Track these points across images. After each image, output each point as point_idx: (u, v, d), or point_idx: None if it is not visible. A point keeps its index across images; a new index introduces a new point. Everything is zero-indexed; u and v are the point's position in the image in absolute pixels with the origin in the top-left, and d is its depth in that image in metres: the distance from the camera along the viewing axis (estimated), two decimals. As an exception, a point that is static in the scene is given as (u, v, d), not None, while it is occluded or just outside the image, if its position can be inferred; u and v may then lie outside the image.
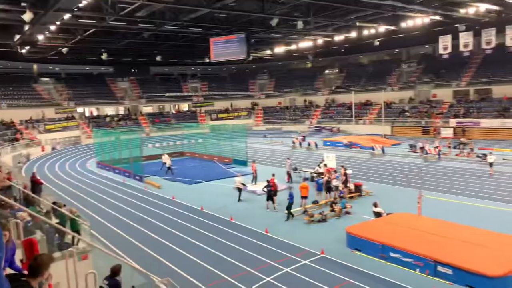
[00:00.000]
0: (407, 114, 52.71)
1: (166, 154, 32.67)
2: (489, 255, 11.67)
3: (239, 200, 20.95)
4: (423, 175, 18.05)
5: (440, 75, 55.26)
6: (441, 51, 48.66)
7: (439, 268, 11.53)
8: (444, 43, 47.68)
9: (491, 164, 25.00)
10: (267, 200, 19.03)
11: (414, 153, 34.73)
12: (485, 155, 28.67)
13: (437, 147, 32.22)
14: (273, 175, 20.65)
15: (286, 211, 17.65)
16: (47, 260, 3.52)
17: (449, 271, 11.32)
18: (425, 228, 14.17)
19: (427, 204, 17.01)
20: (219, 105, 68.70)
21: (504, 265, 10.92)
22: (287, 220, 17.47)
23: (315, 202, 19.31)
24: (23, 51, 44.92)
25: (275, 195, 19.15)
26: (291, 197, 17.62)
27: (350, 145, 40.03)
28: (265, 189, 19.25)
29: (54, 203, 11.61)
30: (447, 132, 44.39)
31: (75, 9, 28.23)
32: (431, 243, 12.68)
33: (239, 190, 21.22)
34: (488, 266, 10.86)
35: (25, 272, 5.13)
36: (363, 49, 58.85)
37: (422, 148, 33.45)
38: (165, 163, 29.90)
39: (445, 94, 52.71)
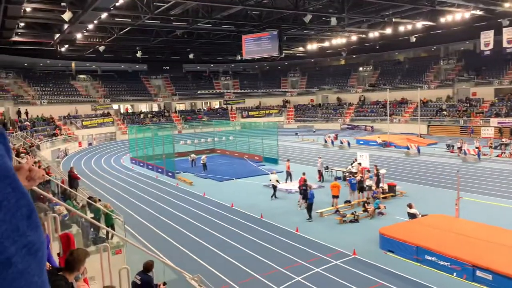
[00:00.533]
0: (445, 113, 50.84)
1: (193, 154, 33.03)
2: (534, 262, 11.05)
3: (275, 197, 20.78)
4: (461, 176, 17.33)
5: (481, 73, 52.86)
6: (482, 47, 46.51)
7: (478, 273, 11.03)
8: (486, 39, 45.55)
9: None
10: (302, 198, 18.88)
11: (451, 153, 33.49)
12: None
13: (477, 148, 30.89)
14: (304, 174, 20.43)
15: (307, 211, 17.44)
16: (82, 255, 3.55)
17: (489, 277, 10.81)
18: (463, 230, 13.60)
19: (465, 206, 16.32)
20: (250, 102, 68.80)
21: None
22: (308, 220, 17.22)
23: (347, 202, 18.95)
24: (62, 49, 46.62)
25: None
26: (311, 197, 17.38)
27: (384, 144, 39.08)
28: (302, 188, 19.06)
29: (89, 197, 11.93)
30: (488, 132, 42.49)
31: (112, 8, 29.01)
32: (469, 247, 12.16)
33: (274, 187, 21.08)
34: (532, 274, 10.29)
35: (60, 266, 5.25)
36: (399, 45, 57.14)
37: (459, 148, 32.10)
38: (193, 160, 30.47)
39: (486, 92, 50.37)
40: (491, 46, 45.31)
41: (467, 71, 54.77)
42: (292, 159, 29.32)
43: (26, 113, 47.76)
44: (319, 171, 24.52)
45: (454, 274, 11.49)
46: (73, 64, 61.27)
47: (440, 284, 11.03)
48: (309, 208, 17.33)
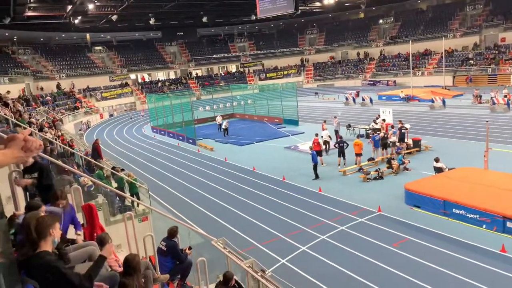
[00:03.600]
0: (471, 62, 48.63)
1: (219, 115, 33.09)
2: None
3: (326, 153, 20.73)
4: (490, 127, 16.68)
5: (510, 17, 49.78)
6: (511, -12, 43.56)
7: (509, 224, 10.79)
8: (515, -21, 42.54)
9: None
10: (339, 156, 18.77)
11: (479, 103, 32.30)
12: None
13: (505, 96, 29.61)
14: (316, 135, 20.14)
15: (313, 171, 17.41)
16: (46, 221, 3.28)
17: (520, 228, 10.56)
18: (492, 182, 13.23)
19: (494, 158, 15.82)
20: (268, 63, 67.57)
21: None
22: (315, 179, 17.15)
23: (371, 159, 18.68)
24: (76, 21, 46.43)
25: (321, 155, 19.16)
26: (313, 157, 17.26)
27: (408, 99, 37.99)
28: (337, 145, 18.92)
29: (112, 167, 12.08)
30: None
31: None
32: (499, 198, 11.84)
33: (326, 143, 20.97)
34: None
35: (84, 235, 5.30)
36: (421, -7, 54.28)
37: (477, 97, 31.10)
38: (221, 124, 30.37)
39: (515, 37, 47.61)
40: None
41: (495, 16, 51.65)
42: (314, 119, 29.02)
43: (42, 88, 48.43)
44: (336, 131, 23.80)
45: (484, 226, 11.27)
46: (88, 36, 61.20)
47: (469, 237, 10.85)
48: (314, 168, 17.27)
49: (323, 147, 20.95)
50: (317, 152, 18.95)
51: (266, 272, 9.18)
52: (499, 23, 50.34)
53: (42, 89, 48.20)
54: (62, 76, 52.82)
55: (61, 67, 54.91)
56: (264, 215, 13.92)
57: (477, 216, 11.50)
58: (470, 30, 53.32)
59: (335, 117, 25.33)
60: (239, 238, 12.06)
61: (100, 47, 61.84)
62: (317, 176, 17.30)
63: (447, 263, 9.70)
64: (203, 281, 6.39)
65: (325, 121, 24.43)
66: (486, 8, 54.04)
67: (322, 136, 21.39)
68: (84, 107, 46.60)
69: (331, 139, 21.30)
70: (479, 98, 33.10)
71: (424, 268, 9.61)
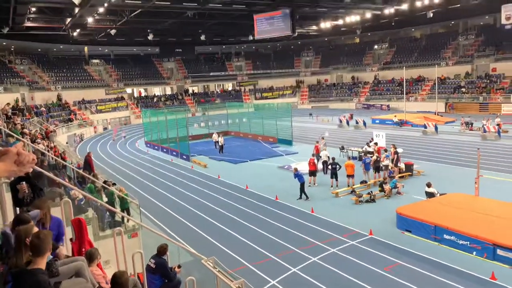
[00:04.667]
0: (463, 90, 49.51)
1: (216, 132, 33.11)
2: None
3: (325, 172, 20.69)
4: (481, 154, 16.88)
5: (501, 48, 51.03)
6: (503, 21, 44.78)
7: (499, 252, 10.79)
8: (507, 13, 43.74)
9: None
10: (331, 177, 18.82)
11: (470, 131, 32.74)
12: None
13: (497, 125, 30.07)
14: (313, 155, 20.30)
15: (299, 191, 17.46)
16: (48, 237, 3.20)
17: (510, 255, 10.58)
18: (482, 209, 13.29)
19: (485, 185, 15.92)
20: (264, 83, 68.20)
21: None
22: (299, 199, 17.23)
23: (363, 182, 18.72)
24: (75, 33, 46.69)
25: (315, 174, 19.34)
26: (299, 177, 17.30)
27: (401, 123, 38.41)
28: (331, 166, 18.97)
29: (104, 181, 11.98)
30: (508, 109, 41.32)
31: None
32: (489, 225, 11.89)
33: (325, 163, 21.05)
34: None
35: (72, 251, 5.22)
36: (416, 21, 55.48)
37: (467, 124, 31.82)
38: (217, 141, 30.33)
39: (507, 68, 48.61)
40: (512, 20, 43.61)
41: (486, 46, 52.98)
42: (307, 140, 29.15)
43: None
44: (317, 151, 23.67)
45: (474, 253, 11.26)
46: (85, 48, 61.49)
47: (459, 263, 10.82)
48: (301, 188, 17.30)
49: (320, 167, 21.06)
50: (311, 172, 19.03)
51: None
52: (491, 53, 51.57)
53: (32, 98, 47.91)
54: (58, 88, 52.75)
55: (57, 78, 54.88)
56: (256, 235, 13.80)
57: (468, 242, 11.51)
58: (462, 59, 54.49)
59: (322, 137, 25.52)
60: (230, 258, 11.91)
61: (97, 60, 62.06)
62: (305, 196, 17.27)
63: (438, 289, 9.64)
64: (192, 301, 6.28)
65: (317, 142, 24.52)
66: (478, 38, 55.43)
67: (321, 157, 21.49)
68: (78, 119, 46.43)
69: (329, 159, 21.32)
70: (470, 125, 33.56)
71: (414, 294, 9.54)
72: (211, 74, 66.92)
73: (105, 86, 58.20)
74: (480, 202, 14.31)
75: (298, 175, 17.41)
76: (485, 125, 30.48)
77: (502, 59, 49.90)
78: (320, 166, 21.46)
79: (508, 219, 12.27)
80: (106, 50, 64.69)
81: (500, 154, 24.10)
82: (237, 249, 12.62)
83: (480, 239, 11.24)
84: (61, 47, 58.39)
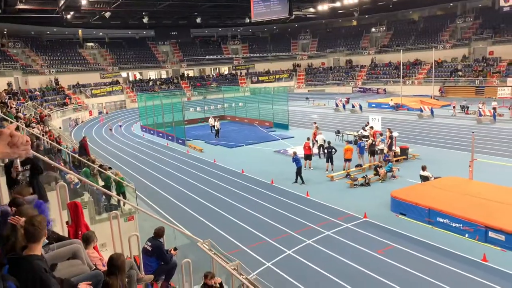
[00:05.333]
0: (460, 73, 49.44)
1: (212, 117, 33.02)
2: (547, 222, 10.95)
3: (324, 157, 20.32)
4: (476, 137, 16.99)
5: (499, 31, 50.79)
6: (501, 3, 44.57)
7: (491, 234, 10.98)
8: (506, -6, 43.46)
9: None
10: (327, 161, 18.93)
11: (466, 114, 32.85)
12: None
13: (493, 108, 30.17)
14: (308, 139, 20.35)
15: (296, 175, 17.55)
16: (43, 222, 3.19)
17: (501, 237, 10.76)
18: (476, 192, 13.46)
19: (479, 168, 16.07)
20: (260, 67, 67.74)
21: None
22: (294, 183, 17.36)
23: (358, 165, 18.85)
24: (68, 16, 45.95)
25: (310, 158, 19.42)
26: (297, 161, 17.38)
27: (397, 107, 38.44)
28: (327, 150, 19.04)
29: (100, 165, 11.99)
30: (504, 92, 41.40)
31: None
32: (482, 208, 12.05)
33: (322, 147, 20.93)
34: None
35: (69, 234, 5.26)
36: (413, 3, 55.01)
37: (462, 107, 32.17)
38: (213, 126, 30.25)
39: (504, 51, 48.51)
40: (511, 2, 43.28)
41: (484, 29, 52.68)
42: (304, 124, 29.16)
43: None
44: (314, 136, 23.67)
45: (467, 235, 11.44)
46: (80, 31, 60.65)
47: (452, 246, 11.01)
48: (298, 172, 17.40)
49: (317, 151, 21.14)
50: (307, 156, 19.10)
51: (251, 276, 9.20)
52: (488, 36, 51.35)
53: (26, 82, 47.46)
54: (52, 72, 52.18)
55: (51, 62, 54.25)
56: (251, 218, 13.93)
57: (461, 225, 11.68)
58: (459, 42, 54.24)
59: (315, 122, 25.55)
60: (226, 240, 12.05)
61: (92, 44, 61.29)
62: (301, 181, 17.39)
63: (430, 271, 9.82)
64: (188, 283, 6.38)
65: (315, 123, 24.42)
66: (476, 21, 55.07)
67: (317, 141, 21.54)
68: (73, 103, 46.10)
69: (325, 142, 21.35)
70: (466, 109, 33.66)
71: (407, 275, 9.72)
72: (207, 57, 66.33)
73: (100, 70, 57.64)
74: (474, 185, 14.48)
75: (296, 159, 17.48)
76: (481, 108, 30.55)
77: (500, 42, 49.73)
78: (315, 150, 21.53)
79: (500, 202, 12.43)
80: (101, 34, 63.82)
81: (495, 137, 24.25)
82: (232, 232, 12.75)
83: (473, 221, 11.41)
84: (55, 30, 57.55)
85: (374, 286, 9.36)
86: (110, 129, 36.45)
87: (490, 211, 11.83)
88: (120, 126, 37.91)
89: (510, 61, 47.03)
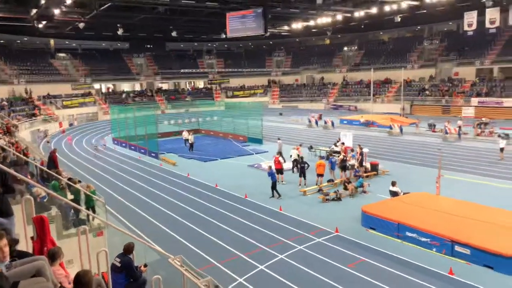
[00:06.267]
0: (427, 92, 51.35)
1: (186, 130, 32.81)
2: (508, 235, 11.42)
3: (297, 171, 20.29)
4: (443, 155, 17.61)
5: (464, 53, 53.34)
6: (466, 27, 46.76)
7: (457, 248, 11.31)
8: (469, 20, 45.71)
9: (501, 150, 23.73)
10: (300, 176, 19.15)
11: (433, 132, 34.00)
12: (507, 135, 27.84)
13: (458, 127, 31.38)
14: (278, 153, 20.65)
15: (271, 190, 17.68)
16: None
17: (467, 251, 11.10)
18: (443, 207, 13.88)
19: (446, 184, 16.61)
20: (235, 82, 68.14)
21: (524, 246, 10.64)
22: (271, 197, 17.49)
23: (330, 180, 19.12)
24: (40, 25, 44.96)
25: (281, 172, 19.65)
26: (272, 176, 17.59)
27: (367, 124, 39.37)
28: (299, 166, 19.21)
29: (69, 179, 11.67)
30: (468, 112, 43.20)
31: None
32: (449, 223, 12.44)
33: (296, 162, 21.03)
34: (506, 246, 10.65)
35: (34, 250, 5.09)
36: (384, 25, 57.10)
37: (432, 126, 34.10)
38: (187, 139, 30.04)
39: (468, 72, 50.96)
40: (474, 27, 45.58)
41: (450, 52, 55.19)
42: (277, 139, 29.29)
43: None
44: (279, 152, 23.62)
45: (434, 249, 11.75)
46: (52, 41, 59.39)
47: (420, 260, 11.27)
48: (273, 186, 17.55)
49: (290, 165, 21.33)
50: (278, 170, 19.23)
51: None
52: (453, 58, 53.80)
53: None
54: (21, 81, 50.69)
55: (21, 71, 52.72)
56: (224, 233, 13.83)
57: (428, 239, 11.99)
58: (427, 63, 56.53)
59: (279, 139, 25.91)
60: (198, 256, 11.90)
61: (64, 54, 60.09)
62: (277, 194, 17.48)
63: (399, 284, 10.00)
64: (157, 300, 6.25)
65: (300, 145, 24.62)
66: (442, 44, 57.72)
67: (291, 155, 21.73)
68: (42, 114, 44.79)
69: (299, 157, 21.51)
70: (433, 127, 34.87)
71: (377, 289, 9.87)
72: (182, 71, 66.16)
73: (72, 81, 56.46)
74: (441, 201, 14.94)
75: (271, 173, 17.59)
76: (447, 127, 31.75)
77: (464, 64, 52.13)
78: (287, 165, 21.69)
79: (466, 217, 12.87)
80: (74, 44, 62.73)
81: (460, 155, 25.18)
82: (205, 248, 12.61)
83: (440, 236, 11.75)
84: (26, 39, 56.19)
85: (345, 301, 9.43)
86: (104, 145, 33.05)
87: (456, 226, 12.22)
88: (104, 145, 33.68)
89: (473, 82, 49.33)
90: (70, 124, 48.22)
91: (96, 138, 37.89)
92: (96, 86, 59.62)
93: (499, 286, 9.75)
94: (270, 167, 18.21)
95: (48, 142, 34.15)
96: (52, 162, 15.38)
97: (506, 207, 14.08)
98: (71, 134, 41.33)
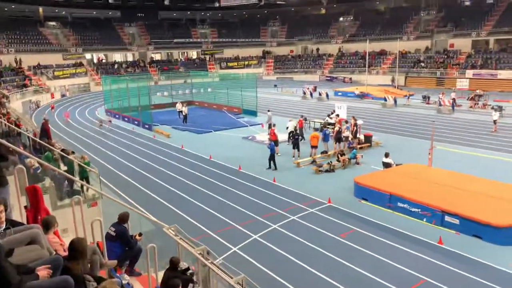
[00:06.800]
0: (422, 64, 51.03)
1: (179, 102, 32.53)
2: (497, 206, 11.67)
3: (291, 143, 20.07)
4: (436, 127, 17.70)
5: (460, 24, 52.68)
6: (463, -4, 46.03)
7: (447, 218, 11.56)
8: (467, -12, 44.94)
9: (495, 122, 23.92)
10: (293, 148, 19.20)
11: (427, 104, 34.05)
12: (500, 107, 27.99)
13: (452, 99, 31.42)
14: (274, 125, 20.60)
15: (268, 161, 17.77)
16: None
17: (456, 221, 11.36)
18: (434, 179, 14.09)
19: (438, 156, 16.78)
20: (229, 52, 67.08)
21: (511, 215, 10.88)
22: (268, 169, 17.58)
23: (323, 152, 19.22)
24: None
25: (277, 144, 19.50)
26: (272, 148, 17.63)
27: (362, 96, 39.27)
28: (293, 137, 19.22)
29: (62, 150, 11.61)
30: (463, 84, 43.15)
31: None
32: (439, 194, 12.65)
33: (292, 134, 20.97)
34: (494, 216, 10.89)
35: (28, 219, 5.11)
36: (380, -6, 55.96)
37: (426, 98, 34.09)
38: (181, 111, 29.82)
39: (463, 44, 50.54)
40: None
41: (446, 23, 54.49)
42: (272, 111, 29.22)
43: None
44: (269, 124, 23.29)
45: (425, 219, 11.99)
46: (40, 9, 57.66)
47: (411, 230, 11.51)
48: (271, 158, 17.61)
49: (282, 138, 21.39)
50: (274, 142, 19.27)
51: (217, 260, 9.27)
52: (450, 29, 53.14)
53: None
54: (10, 51, 49.51)
55: (9, 40, 51.39)
56: (219, 204, 13.98)
57: (419, 210, 12.21)
58: (423, 34, 55.88)
59: (269, 110, 25.81)
60: (192, 226, 12.05)
61: (53, 23, 58.47)
62: (275, 167, 17.56)
63: (390, 253, 10.25)
64: (153, 268, 6.35)
65: (305, 119, 24.58)
66: (438, 14, 56.82)
67: (287, 127, 21.67)
68: (34, 85, 44.07)
69: (295, 129, 21.52)
70: (427, 99, 34.88)
71: (368, 257, 10.10)
72: (175, 41, 64.92)
73: (62, 51, 55.26)
74: (433, 172, 15.13)
75: (271, 145, 17.65)
76: (441, 99, 31.77)
77: (460, 35, 51.60)
78: (283, 136, 21.70)
79: (456, 188, 13.08)
80: (64, 12, 60.97)
81: (453, 127, 25.32)
82: (200, 218, 12.76)
83: (430, 206, 11.97)
84: (13, 6, 54.40)
85: (337, 268, 9.67)
86: (101, 124, 28.82)
87: (447, 196, 12.43)
88: (110, 121, 30.19)
89: (468, 54, 49.00)
90: (62, 95, 47.59)
91: (99, 114, 37.48)
92: (88, 56, 58.46)
93: (486, 255, 10.01)
94: (270, 139, 18.27)
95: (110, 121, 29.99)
96: (45, 132, 15.26)
97: (497, 179, 14.32)
98: (65, 105, 40.84)
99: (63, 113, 35.61)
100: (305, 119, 26.23)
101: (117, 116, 32.78)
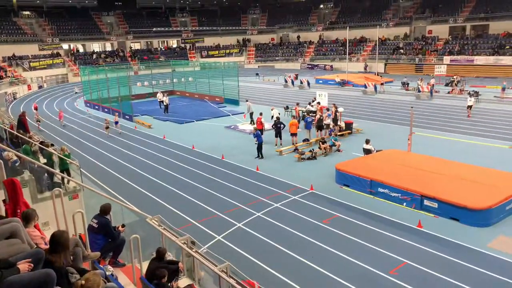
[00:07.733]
0: (401, 51, 51.62)
1: (160, 92, 32.14)
2: (474, 189, 11.99)
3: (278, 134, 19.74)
4: (414, 113, 18.02)
5: (438, 11, 53.39)
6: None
7: (426, 202, 11.86)
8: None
9: (469, 107, 24.36)
10: (276, 136, 19.20)
11: (406, 91, 34.56)
12: (476, 92, 28.64)
13: (430, 85, 31.95)
14: (261, 114, 20.58)
15: (257, 150, 17.81)
16: None
17: (434, 205, 11.67)
18: (413, 164, 14.39)
19: (417, 141, 17.15)
20: (210, 41, 66.39)
21: (487, 198, 11.24)
22: (257, 158, 17.66)
23: (305, 140, 19.38)
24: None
25: (262, 133, 19.35)
26: (258, 137, 17.63)
27: (343, 83, 39.57)
28: (276, 126, 19.22)
29: (41, 142, 11.40)
30: (440, 70, 43.87)
31: None
32: (418, 178, 12.94)
33: (275, 122, 20.69)
34: (471, 200, 11.21)
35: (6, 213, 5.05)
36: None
37: (405, 84, 34.77)
38: (162, 101, 29.45)
39: (441, 30, 51.33)
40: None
41: (424, 9, 55.12)
42: (254, 100, 29.25)
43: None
44: (251, 113, 23.95)
45: (404, 204, 12.29)
46: (13, -2, 55.78)
47: (391, 214, 11.78)
48: (259, 147, 17.64)
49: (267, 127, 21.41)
50: (260, 130, 19.24)
51: (201, 249, 9.34)
52: (428, 16, 53.81)
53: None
54: (-18, 41, 47.94)
55: (-20, 31, 49.71)
56: (202, 193, 14.00)
57: (399, 195, 12.50)
58: (402, 21, 56.43)
59: (247, 100, 25.87)
60: (176, 216, 12.06)
61: (28, 12, 56.67)
62: (261, 155, 17.62)
63: (371, 237, 10.49)
64: (136, 259, 6.37)
65: (247, 100, 24.74)
66: (417, 1, 57.39)
67: (272, 116, 21.60)
68: (9, 76, 42.82)
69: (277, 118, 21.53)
70: (406, 85, 35.41)
71: (350, 242, 10.32)
72: (154, 29, 63.81)
73: (38, 41, 53.76)
74: (412, 157, 15.45)
75: (257, 135, 17.63)
76: (419, 85, 32.29)
77: (437, 21, 52.33)
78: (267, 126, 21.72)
79: (435, 172, 13.41)
80: (38, 1, 59.07)
81: (432, 113, 25.82)
82: (183, 208, 12.77)
83: (410, 191, 12.26)
84: (-17, -5, 52.53)
85: (320, 253, 9.86)
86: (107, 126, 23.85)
87: (425, 181, 12.74)
88: (117, 123, 24.76)
89: (446, 40, 49.78)
90: (40, 87, 46.45)
91: (78, 106, 36.71)
92: (65, 46, 57.01)
93: (464, 237, 10.35)
94: (255, 128, 18.27)
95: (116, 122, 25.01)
96: (22, 125, 14.93)
97: (473, 163, 14.71)
98: (42, 97, 39.89)
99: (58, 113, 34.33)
100: (287, 107, 26.36)
101: (96, 107, 32.22)
